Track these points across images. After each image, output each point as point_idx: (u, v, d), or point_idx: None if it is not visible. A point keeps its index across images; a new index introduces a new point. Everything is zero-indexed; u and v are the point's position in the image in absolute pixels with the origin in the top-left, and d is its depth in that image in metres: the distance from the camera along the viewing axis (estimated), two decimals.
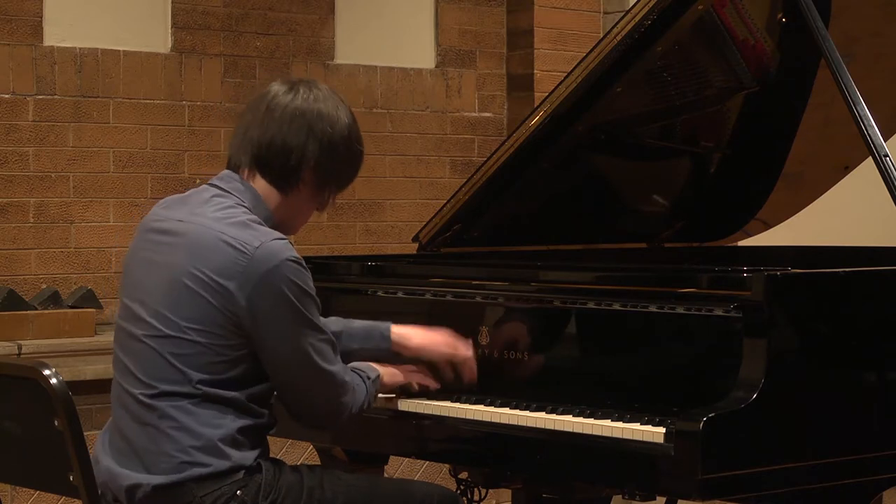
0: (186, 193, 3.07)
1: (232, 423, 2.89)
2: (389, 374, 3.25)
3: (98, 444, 3.00)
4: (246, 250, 2.87)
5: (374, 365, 3.20)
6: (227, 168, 3.05)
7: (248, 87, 5.96)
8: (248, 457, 2.90)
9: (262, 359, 2.91)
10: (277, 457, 3.05)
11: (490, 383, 3.29)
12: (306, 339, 2.91)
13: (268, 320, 2.87)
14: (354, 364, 3.15)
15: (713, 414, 2.82)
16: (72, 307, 5.46)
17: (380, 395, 3.25)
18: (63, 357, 5.16)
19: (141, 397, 2.90)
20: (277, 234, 2.95)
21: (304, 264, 2.94)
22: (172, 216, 3.00)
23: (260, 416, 2.95)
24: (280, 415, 3.06)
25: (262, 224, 2.96)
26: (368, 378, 3.12)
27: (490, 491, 3.77)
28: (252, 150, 3.00)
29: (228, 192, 3.00)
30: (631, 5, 3.66)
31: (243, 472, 2.89)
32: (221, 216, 2.94)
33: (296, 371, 2.93)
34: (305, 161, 3.00)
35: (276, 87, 3.04)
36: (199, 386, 2.87)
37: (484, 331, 3.39)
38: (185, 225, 2.95)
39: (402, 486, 3.13)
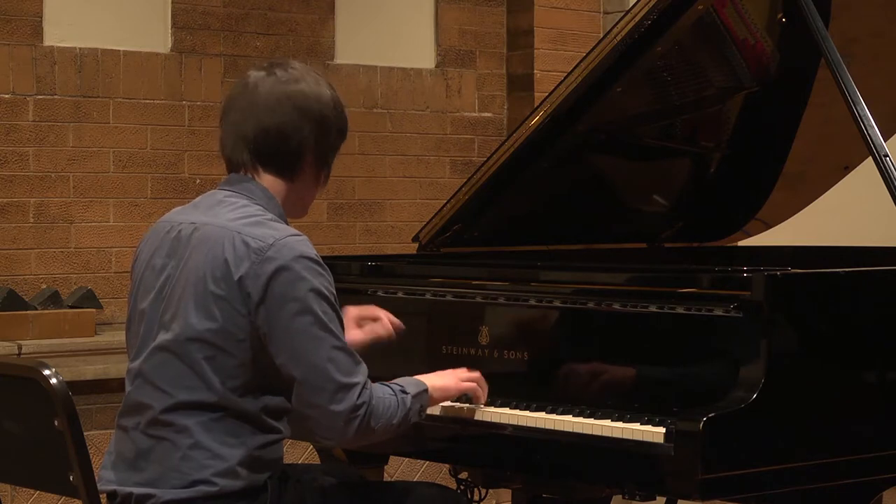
0: (196, 200, 3.02)
1: (250, 440, 2.84)
2: (440, 388, 3.11)
3: (105, 464, 2.96)
4: (260, 247, 2.82)
5: (423, 378, 3.07)
6: (230, 171, 3.00)
7: None
8: (260, 478, 2.87)
9: (276, 363, 2.84)
10: None
11: (490, 383, 3.29)
12: (319, 344, 2.82)
13: (280, 320, 2.80)
14: (400, 379, 3.03)
15: (713, 414, 2.82)
16: (72, 307, 5.46)
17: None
18: (63, 357, 5.16)
19: (158, 409, 2.85)
20: (294, 231, 2.88)
21: (323, 264, 2.87)
22: (186, 219, 2.95)
23: (276, 431, 2.89)
24: None
25: (278, 221, 2.91)
26: (405, 392, 2.97)
27: (490, 491, 3.77)
28: (249, 145, 2.94)
29: (238, 192, 2.95)
30: (631, 5, 3.66)
31: (251, 492, 2.85)
32: (237, 216, 2.89)
33: (305, 376, 2.82)
34: (305, 142, 2.95)
35: (253, 76, 2.98)
36: (217, 392, 2.81)
37: (484, 331, 3.39)
38: (201, 227, 2.90)
39: (405, 490, 3.11)
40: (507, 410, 3.21)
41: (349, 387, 2.84)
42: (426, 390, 3.04)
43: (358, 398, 2.84)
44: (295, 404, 2.89)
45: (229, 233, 2.86)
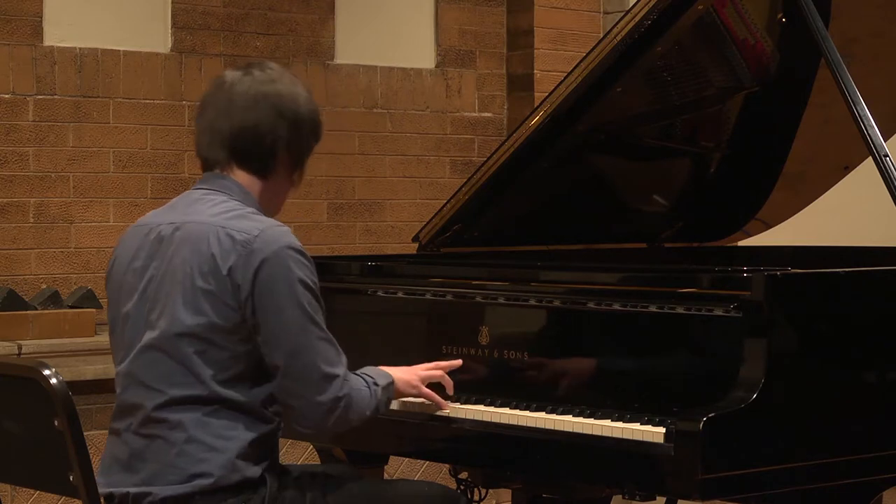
0: (172, 201, 3.05)
1: (245, 433, 2.86)
2: (405, 382, 3.16)
3: (100, 469, 2.96)
4: (246, 239, 2.85)
5: (389, 370, 3.11)
6: (205, 170, 3.02)
7: None
8: (257, 470, 2.88)
9: (262, 352, 2.87)
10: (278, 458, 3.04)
11: (490, 383, 3.29)
12: (306, 335, 2.86)
13: (266, 310, 2.83)
14: (366, 369, 3.07)
15: (713, 414, 2.82)
16: (72, 307, 5.46)
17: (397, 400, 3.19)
18: (63, 357, 5.16)
19: (150, 407, 2.87)
20: (276, 222, 2.92)
21: (307, 255, 2.90)
22: (165, 220, 2.98)
23: (271, 421, 2.92)
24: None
25: (258, 213, 2.95)
26: (376, 384, 3.02)
27: (490, 491, 3.77)
28: (225, 144, 2.97)
29: (216, 189, 2.98)
30: (631, 5, 3.66)
31: (249, 485, 2.86)
32: (218, 211, 2.92)
33: (290, 366, 2.86)
34: (280, 142, 2.97)
35: (231, 76, 3.00)
36: (209, 386, 2.83)
37: (484, 331, 3.39)
38: (182, 226, 2.93)
39: (405, 489, 3.12)
40: (507, 410, 3.21)
41: (332, 377, 2.89)
42: (392, 382, 3.09)
43: (340, 389, 2.90)
44: (277, 394, 2.92)
45: (213, 228, 2.89)
